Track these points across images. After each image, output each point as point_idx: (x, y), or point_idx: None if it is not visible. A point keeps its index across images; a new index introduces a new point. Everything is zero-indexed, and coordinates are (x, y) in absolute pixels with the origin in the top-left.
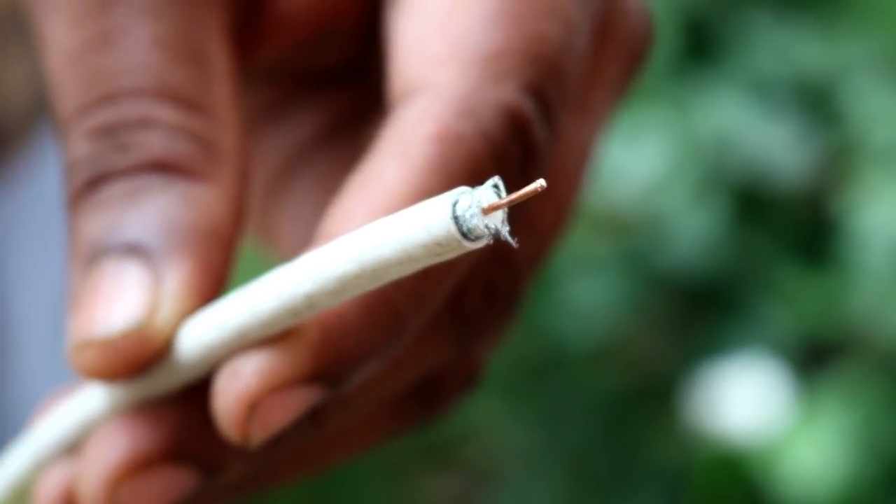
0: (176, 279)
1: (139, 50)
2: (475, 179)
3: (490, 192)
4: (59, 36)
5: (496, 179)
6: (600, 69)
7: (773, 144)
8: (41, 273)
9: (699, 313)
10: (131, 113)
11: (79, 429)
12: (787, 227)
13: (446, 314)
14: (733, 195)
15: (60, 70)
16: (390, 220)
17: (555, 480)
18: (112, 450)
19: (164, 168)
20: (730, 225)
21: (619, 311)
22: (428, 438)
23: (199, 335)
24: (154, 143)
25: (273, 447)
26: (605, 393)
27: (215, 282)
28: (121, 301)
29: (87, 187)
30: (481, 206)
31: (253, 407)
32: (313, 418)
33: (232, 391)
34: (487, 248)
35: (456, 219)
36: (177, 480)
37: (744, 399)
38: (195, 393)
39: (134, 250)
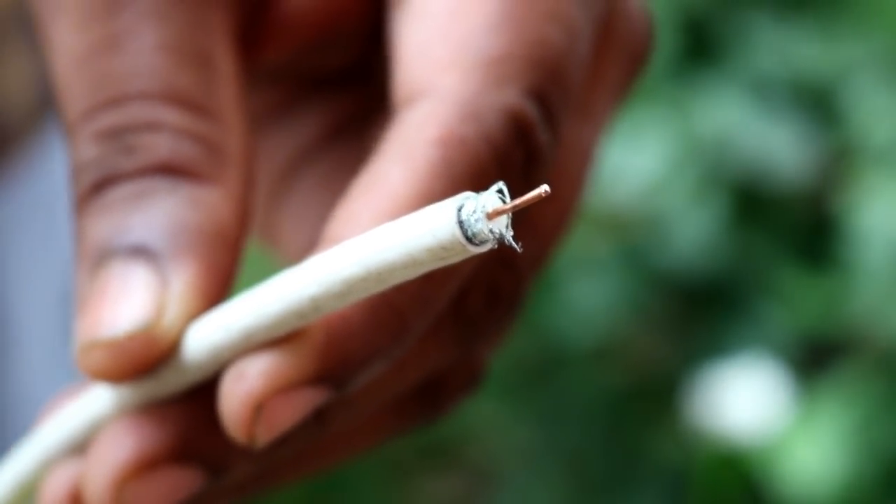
0: (182, 281)
1: (145, 53)
2: (478, 183)
3: (494, 197)
4: (66, 39)
5: (500, 184)
6: (602, 72)
7: (773, 144)
8: (42, 273)
9: (699, 313)
10: (138, 116)
11: (85, 429)
12: (788, 227)
13: (449, 315)
14: (733, 195)
15: (67, 73)
16: (396, 224)
17: (555, 480)
18: (118, 450)
19: (170, 171)
20: (730, 225)
21: (619, 311)
22: (429, 439)
23: (205, 337)
24: (160, 146)
25: (277, 447)
26: (606, 393)
27: (221, 283)
28: (127, 302)
29: (93, 190)
30: (486, 210)
31: (259, 408)
32: (318, 419)
33: (238, 392)
34: (491, 251)
35: (461, 223)
36: (183, 480)
37: (744, 399)
38: (201, 394)
39: (140, 252)
